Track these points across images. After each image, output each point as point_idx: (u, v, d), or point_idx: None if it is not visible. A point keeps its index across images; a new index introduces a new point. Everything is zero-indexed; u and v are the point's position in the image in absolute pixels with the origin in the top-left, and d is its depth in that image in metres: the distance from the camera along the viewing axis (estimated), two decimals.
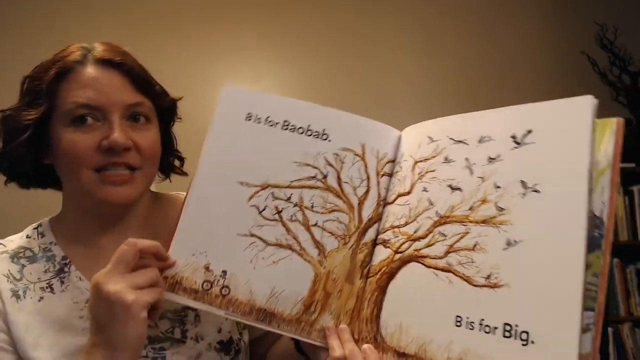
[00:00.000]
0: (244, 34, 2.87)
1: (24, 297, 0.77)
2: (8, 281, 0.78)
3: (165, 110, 0.86)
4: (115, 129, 0.74)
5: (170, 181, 0.93)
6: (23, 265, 0.80)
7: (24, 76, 0.81)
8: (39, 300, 0.77)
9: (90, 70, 0.76)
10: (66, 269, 0.80)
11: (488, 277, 0.55)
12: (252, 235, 0.70)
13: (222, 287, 0.69)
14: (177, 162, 0.93)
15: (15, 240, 0.83)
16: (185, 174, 0.93)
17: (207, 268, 0.69)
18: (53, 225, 0.85)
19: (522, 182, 0.55)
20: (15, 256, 0.80)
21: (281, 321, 0.68)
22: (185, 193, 0.94)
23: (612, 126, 0.53)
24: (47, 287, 0.79)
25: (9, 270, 0.79)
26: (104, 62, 0.77)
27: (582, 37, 2.75)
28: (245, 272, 0.69)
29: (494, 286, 0.54)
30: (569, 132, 0.53)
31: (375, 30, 2.87)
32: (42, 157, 0.80)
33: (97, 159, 0.74)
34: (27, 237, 0.83)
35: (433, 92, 2.80)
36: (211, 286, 0.69)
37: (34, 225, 0.85)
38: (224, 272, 0.69)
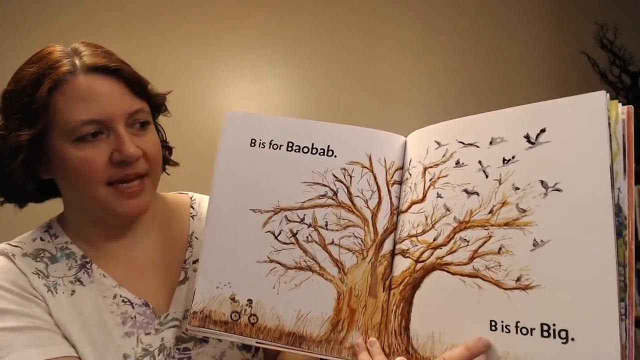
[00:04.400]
0: (244, 33, 2.83)
1: (57, 292, 0.75)
2: (39, 277, 0.75)
3: (157, 106, 0.84)
4: (124, 141, 0.72)
5: (168, 174, 0.91)
6: (47, 264, 0.77)
7: (4, 90, 0.76)
8: (72, 294, 0.76)
9: (86, 80, 0.72)
10: (88, 266, 0.79)
11: (518, 279, 0.55)
12: (271, 261, 0.69)
13: (250, 316, 0.68)
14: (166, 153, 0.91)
15: (27, 243, 0.80)
16: (176, 164, 0.91)
17: (232, 299, 0.69)
18: (62, 226, 0.83)
19: (542, 181, 0.55)
20: (37, 255, 0.78)
21: (311, 343, 0.67)
22: (185, 192, 0.95)
23: (618, 109, 0.53)
24: (75, 281, 0.77)
25: (36, 268, 0.76)
26: (97, 70, 0.73)
27: (582, 37, 2.74)
28: (270, 298, 0.69)
29: (526, 288, 0.55)
30: (585, 129, 0.53)
31: (376, 30, 2.84)
32: (39, 173, 0.77)
33: (111, 173, 0.73)
34: (41, 239, 0.81)
35: (433, 92, 2.78)
36: (239, 316, 0.69)
37: (43, 227, 0.83)
38: (250, 300, 0.69)
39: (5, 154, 0.73)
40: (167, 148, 0.90)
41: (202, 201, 0.94)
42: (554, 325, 0.52)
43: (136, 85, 0.77)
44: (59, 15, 2.82)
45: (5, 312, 0.70)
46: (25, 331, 0.70)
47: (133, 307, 0.78)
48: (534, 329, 0.54)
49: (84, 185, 0.74)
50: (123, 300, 0.78)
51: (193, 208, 0.92)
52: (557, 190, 0.54)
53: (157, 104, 0.83)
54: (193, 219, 0.90)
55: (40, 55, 0.75)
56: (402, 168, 0.71)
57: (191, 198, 0.94)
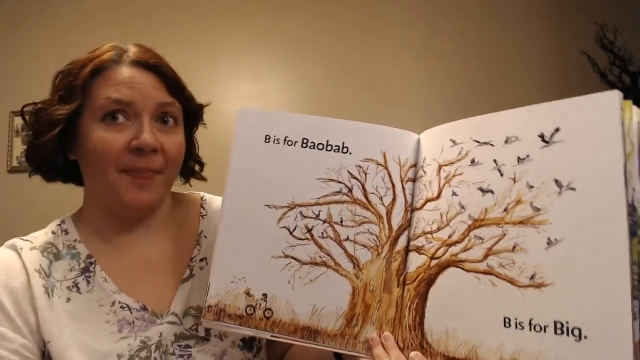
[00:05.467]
0: (244, 33, 2.84)
1: (53, 296, 0.76)
2: (40, 277, 0.77)
3: (192, 114, 0.88)
4: (144, 130, 0.75)
5: (191, 185, 0.96)
6: (50, 261, 0.79)
7: (57, 71, 0.82)
8: (67, 301, 0.77)
9: (125, 69, 0.78)
10: (91, 268, 0.80)
11: (532, 277, 0.56)
12: (287, 256, 0.70)
13: (265, 310, 0.69)
14: (197, 167, 0.96)
15: (39, 237, 0.82)
16: (204, 179, 0.95)
17: (247, 293, 0.70)
18: (76, 222, 0.84)
19: (556, 180, 0.56)
20: (45, 250, 0.80)
21: (326, 337, 0.69)
22: (197, 192, 0.97)
23: (632, 109, 0.54)
24: (73, 287, 0.78)
25: (40, 265, 0.78)
26: (138, 63, 0.78)
27: (582, 37, 2.74)
28: (285, 293, 0.70)
29: (540, 285, 0.56)
30: (599, 128, 0.54)
31: (376, 30, 2.84)
32: (68, 153, 0.81)
33: (125, 159, 0.75)
34: (53, 233, 0.83)
35: (433, 92, 2.78)
36: (254, 310, 0.70)
37: (57, 221, 0.85)
38: (265, 295, 0.70)
39: (42, 126, 0.78)
40: (199, 163, 0.95)
41: (212, 201, 0.95)
42: (567, 322, 0.53)
43: (172, 83, 0.81)
44: (59, 15, 2.82)
45: None
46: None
47: (131, 312, 0.79)
48: (548, 326, 0.55)
49: (98, 167, 0.76)
50: (121, 307, 0.79)
51: (203, 208, 0.93)
52: (571, 189, 0.55)
53: (191, 110, 0.87)
54: (203, 218, 0.92)
55: (97, 47, 0.81)
56: (415, 165, 0.72)
57: (202, 198, 0.96)
